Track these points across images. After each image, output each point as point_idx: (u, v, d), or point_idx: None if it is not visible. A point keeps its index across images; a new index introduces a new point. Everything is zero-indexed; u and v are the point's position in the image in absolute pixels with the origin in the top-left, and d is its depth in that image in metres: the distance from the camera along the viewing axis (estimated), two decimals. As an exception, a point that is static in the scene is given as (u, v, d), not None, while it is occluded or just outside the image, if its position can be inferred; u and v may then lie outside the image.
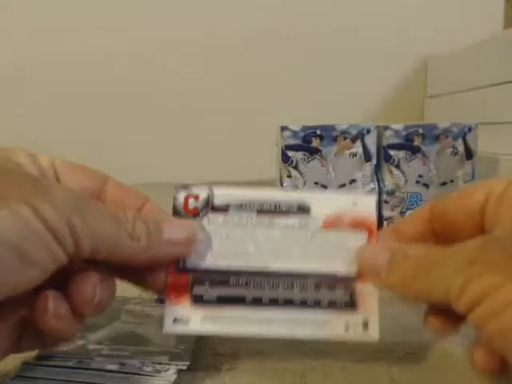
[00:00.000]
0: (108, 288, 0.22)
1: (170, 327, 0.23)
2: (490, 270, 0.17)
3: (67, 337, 0.22)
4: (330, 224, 0.24)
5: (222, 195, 0.25)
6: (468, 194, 0.22)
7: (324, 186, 0.58)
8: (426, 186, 0.60)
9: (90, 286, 0.21)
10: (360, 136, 0.59)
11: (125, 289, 0.26)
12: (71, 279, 0.21)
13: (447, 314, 0.20)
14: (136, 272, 0.23)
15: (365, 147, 0.59)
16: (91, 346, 0.27)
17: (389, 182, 0.60)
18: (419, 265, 0.20)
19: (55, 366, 0.25)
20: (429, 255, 0.20)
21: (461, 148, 0.60)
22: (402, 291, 0.20)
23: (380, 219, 0.60)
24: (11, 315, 0.22)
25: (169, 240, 0.23)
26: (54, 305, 0.20)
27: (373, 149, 0.59)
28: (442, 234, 0.23)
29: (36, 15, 0.94)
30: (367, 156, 0.59)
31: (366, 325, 0.22)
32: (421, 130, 0.59)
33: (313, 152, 0.59)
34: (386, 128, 0.60)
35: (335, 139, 0.59)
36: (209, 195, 0.25)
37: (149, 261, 0.22)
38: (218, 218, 0.25)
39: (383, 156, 0.60)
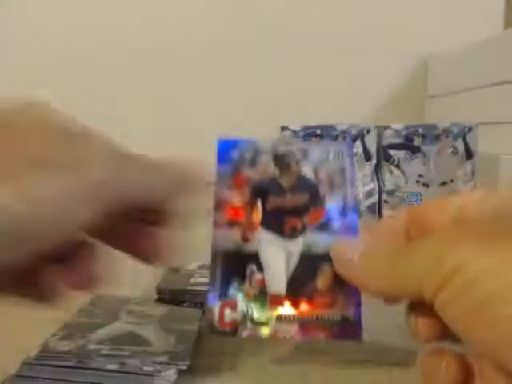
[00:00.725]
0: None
1: None
2: (467, 245, 0.16)
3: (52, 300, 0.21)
4: None
5: None
6: (446, 202, 0.22)
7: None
8: (426, 185, 0.60)
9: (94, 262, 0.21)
10: (360, 136, 0.59)
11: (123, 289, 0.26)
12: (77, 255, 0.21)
13: (431, 313, 0.19)
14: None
15: (365, 147, 0.59)
16: (91, 346, 0.27)
17: (389, 182, 0.60)
18: (398, 252, 0.19)
19: (55, 366, 0.25)
20: (410, 244, 0.20)
21: (461, 148, 0.60)
22: (376, 281, 0.20)
23: (380, 219, 0.60)
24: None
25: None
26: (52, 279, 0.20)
27: (373, 149, 0.59)
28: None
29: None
30: (367, 156, 0.59)
31: None
32: (421, 130, 0.59)
33: (313, 152, 0.59)
34: (386, 128, 0.59)
35: (335, 139, 0.59)
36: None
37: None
38: None
39: (383, 156, 0.60)
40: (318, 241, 0.23)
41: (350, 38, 0.96)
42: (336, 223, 0.24)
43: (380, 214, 0.60)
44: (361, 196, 0.59)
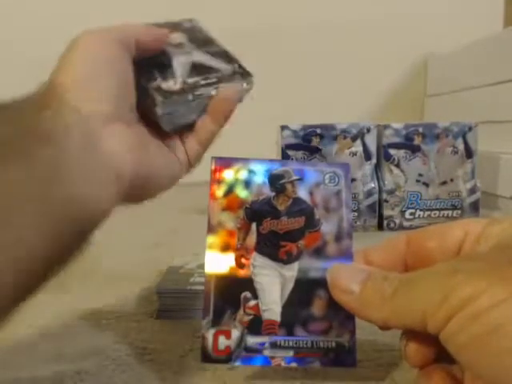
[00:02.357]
0: None
1: None
2: (474, 277, 0.16)
3: None
4: None
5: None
6: (447, 232, 0.21)
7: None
8: (426, 184, 0.60)
9: None
10: (360, 135, 0.59)
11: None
12: None
13: (423, 340, 0.19)
14: None
15: (365, 146, 0.59)
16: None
17: (389, 181, 0.60)
18: (400, 284, 0.19)
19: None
20: (411, 275, 0.19)
21: (461, 147, 0.60)
22: (375, 312, 0.19)
23: (380, 218, 0.60)
24: None
25: None
26: None
27: (373, 148, 0.59)
28: (413, 267, 0.22)
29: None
30: (367, 155, 0.59)
31: None
32: (421, 129, 0.59)
33: (313, 151, 0.59)
34: (386, 127, 0.59)
35: (335, 138, 0.59)
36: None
37: None
38: None
39: (383, 155, 0.60)
40: (313, 266, 0.22)
41: (350, 37, 0.96)
42: (331, 248, 0.23)
43: (380, 214, 0.60)
44: (361, 195, 0.59)
